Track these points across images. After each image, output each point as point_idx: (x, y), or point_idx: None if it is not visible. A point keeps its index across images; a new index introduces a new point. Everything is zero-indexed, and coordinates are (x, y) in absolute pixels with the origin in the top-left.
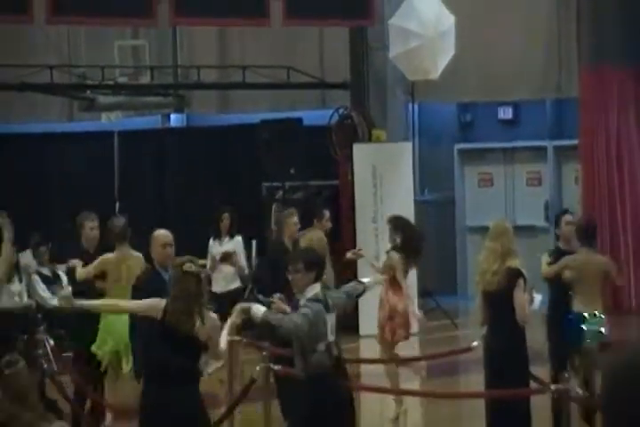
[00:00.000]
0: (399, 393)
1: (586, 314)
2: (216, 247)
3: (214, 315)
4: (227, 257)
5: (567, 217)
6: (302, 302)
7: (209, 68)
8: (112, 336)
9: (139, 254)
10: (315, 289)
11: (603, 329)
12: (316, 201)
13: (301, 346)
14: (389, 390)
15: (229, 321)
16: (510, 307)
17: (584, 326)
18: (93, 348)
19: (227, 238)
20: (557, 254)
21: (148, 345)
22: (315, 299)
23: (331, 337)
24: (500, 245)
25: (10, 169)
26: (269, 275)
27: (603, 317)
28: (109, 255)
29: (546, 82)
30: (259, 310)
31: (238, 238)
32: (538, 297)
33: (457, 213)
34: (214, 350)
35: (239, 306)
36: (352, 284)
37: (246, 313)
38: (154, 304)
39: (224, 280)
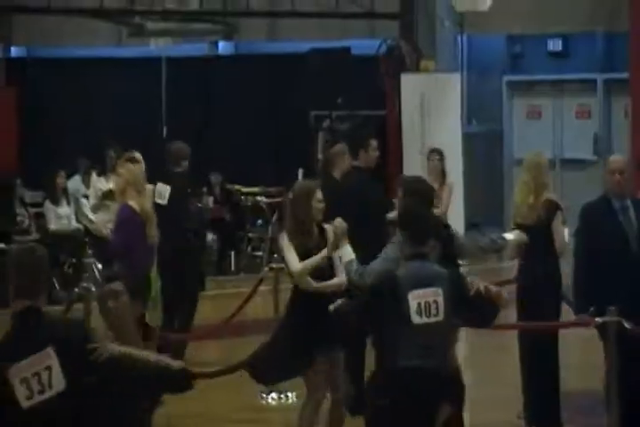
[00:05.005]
0: None
1: None
2: (101, 183)
3: None
4: (109, 194)
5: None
6: None
7: None
8: None
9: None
10: None
11: None
12: (363, 131)
13: None
14: None
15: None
16: (547, 239)
17: None
18: None
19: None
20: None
21: None
22: None
23: None
24: (533, 179)
25: (57, 93)
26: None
27: None
28: None
29: (596, 14)
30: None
31: None
32: (566, 230)
33: (505, 146)
34: None
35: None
36: (494, 236)
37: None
38: None
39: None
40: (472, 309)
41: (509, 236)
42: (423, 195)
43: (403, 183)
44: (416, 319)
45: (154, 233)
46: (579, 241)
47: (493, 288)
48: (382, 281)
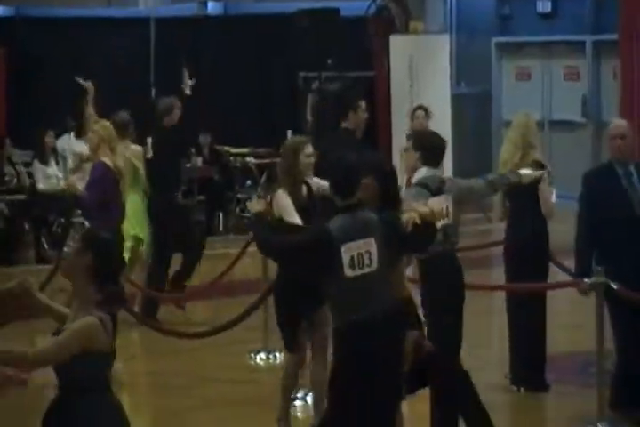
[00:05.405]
0: None
1: None
2: (79, 145)
3: None
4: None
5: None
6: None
7: None
8: (136, 221)
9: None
10: (421, 173)
11: None
12: (352, 92)
13: None
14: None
15: None
16: (534, 200)
17: None
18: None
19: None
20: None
21: None
22: (418, 184)
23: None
24: (521, 137)
25: (46, 52)
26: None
27: None
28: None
29: None
30: None
31: None
32: (553, 191)
33: (493, 107)
34: None
35: None
36: (505, 174)
37: None
38: None
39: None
40: (409, 243)
41: (525, 171)
42: (430, 149)
43: (414, 136)
44: (349, 272)
45: (126, 190)
46: (582, 208)
47: (423, 210)
48: (315, 237)
